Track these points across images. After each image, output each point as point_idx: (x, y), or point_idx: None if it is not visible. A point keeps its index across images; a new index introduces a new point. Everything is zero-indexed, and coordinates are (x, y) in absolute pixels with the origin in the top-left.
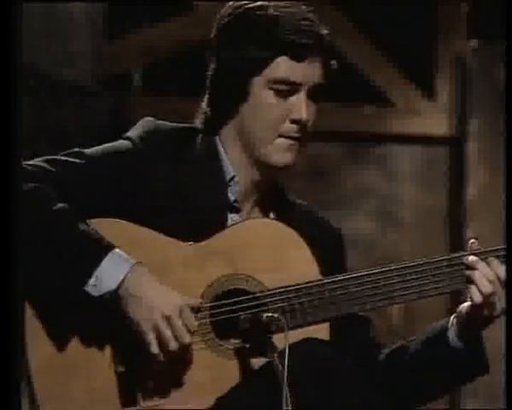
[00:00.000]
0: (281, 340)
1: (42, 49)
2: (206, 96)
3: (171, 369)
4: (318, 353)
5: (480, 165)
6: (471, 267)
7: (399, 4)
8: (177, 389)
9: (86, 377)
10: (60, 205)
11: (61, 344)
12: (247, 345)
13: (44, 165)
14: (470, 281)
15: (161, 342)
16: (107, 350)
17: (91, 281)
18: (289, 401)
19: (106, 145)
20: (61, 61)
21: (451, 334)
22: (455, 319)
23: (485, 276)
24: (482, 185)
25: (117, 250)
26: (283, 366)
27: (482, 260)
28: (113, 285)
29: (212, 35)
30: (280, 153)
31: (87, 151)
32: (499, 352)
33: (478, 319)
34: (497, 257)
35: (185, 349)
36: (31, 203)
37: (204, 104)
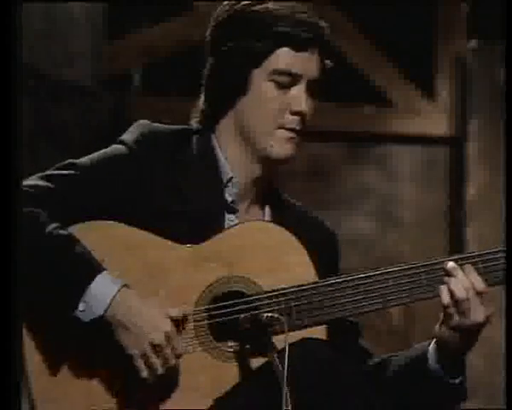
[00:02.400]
0: (280, 340)
1: (42, 49)
2: (203, 93)
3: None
4: (318, 352)
5: (480, 165)
6: (449, 274)
7: (399, 4)
8: (176, 393)
9: (84, 378)
10: (50, 227)
11: (57, 348)
12: (247, 346)
13: (40, 183)
14: (444, 286)
15: (150, 368)
16: (104, 354)
17: (80, 307)
18: (289, 401)
19: (100, 152)
20: (61, 61)
21: (431, 355)
22: (435, 342)
23: (461, 283)
24: (482, 185)
25: (104, 274)
26: (283, 366)
27: (460, 267)
28: (101, 310)
29: (209, 31)
30: (280, 145)
31: (81, 161)
32: (499, 352)
33: (451, 329)
34: (495, 259)
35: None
36: (24, 226)
37: (201, 102)
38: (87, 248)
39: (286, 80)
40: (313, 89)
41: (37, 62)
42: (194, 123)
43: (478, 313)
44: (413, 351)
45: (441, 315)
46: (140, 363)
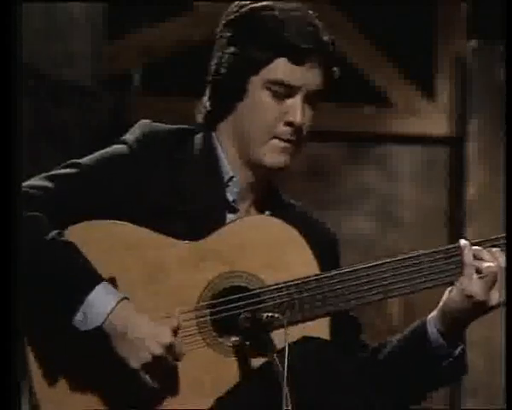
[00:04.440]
0: (280, 339)
1: (42, 49)
2: (208, 90)
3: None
4: (318, 352)
5: (480, 165)
6: (477, 257)
7: (399, 4)
8: (179, 390)
9: (87, 377)
10: (51, 235)
11: (59, 351)
12: (247, 345)
13: (41, 183)
14: (472, 269)
15: (149, 377)
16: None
17: (78, 316)
18: (289, 401)
19: (101, 152)
20: (61, 61)
21: (430, 324)
22: (436, 312)
23: (491, 266)
24: (482, 185)
25: (103, 284)
26: (283, 365)
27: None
28: (99, 321)
29: (218, 29)
30: (273, 154)
31: (82, 161)
32: (499, 352)
33: (468, 308)
34: (497, 246)
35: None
36: (25, 233)
37: (205, 98)
38: (87, 258)
39: (282, 91)
40: (313, 100)
41: (37, 62)
42: (198, 119)
43: (496, 294)
44: (412, 325)
45: (459, 279)
46: (142, 373)
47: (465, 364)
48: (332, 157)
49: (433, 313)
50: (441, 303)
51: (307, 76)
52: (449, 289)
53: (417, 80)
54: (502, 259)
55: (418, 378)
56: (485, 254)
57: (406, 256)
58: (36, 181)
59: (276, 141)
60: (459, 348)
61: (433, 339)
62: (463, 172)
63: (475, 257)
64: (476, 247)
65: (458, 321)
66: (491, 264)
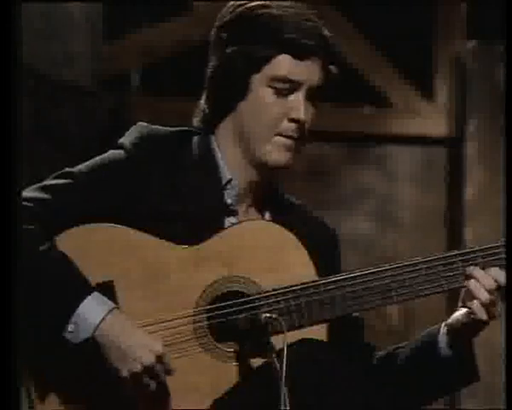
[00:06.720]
0: (279, 340)
1: (42, 50)
2: (205, 93)
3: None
4: (317, 353)
5: (479, 165)
6: (469, 277)
7: (399, 5)
8: (176, 393)
9: (83, 380)
10: (43, 247)
11: (53, 361)
12: (246, 346)
13: (37, 195)
14: (469, 292)
15: (141, 387)
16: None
17: (69, 328)
18: (287, 402)
19: (97, 158)
20: (60, 62)
21: (442, 341)
22: (446, 327)
23: (484, 286)
24: (481, 185)
25: (94, 295)
26: (281, 366)
27: (480, 265)
28: (89, 332)
29: (213, 32)
30: (277, 152)
31: (79, 169)
32: (499, 352)
33: (473, 326)
34: (495, 254)
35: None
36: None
37: (202, 102)
38: (78, 269)
39: (285, 87)
40: (314, 96)
41: (37, 63)
42: (195, 122)
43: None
44: (420, 339)
45: (461, 309)
46: (131, 384)
47: (477, 372)
48: (332, 157)
49: (443, 332)
50: (451, 321)
51: (309, 72)
52: (454, 315)
53: (417, 81)
54: (499, 277)
55: (427, 388)
56: (481, 274)
57: (406, 263)
58: (30, 193)
59: (279, 138)
60: (470, 360)
61: (444, 355)
62: (462, 172)
63: (470, 277)
64: (472, 267)
65: (467, 335)
66: (487, 286)
